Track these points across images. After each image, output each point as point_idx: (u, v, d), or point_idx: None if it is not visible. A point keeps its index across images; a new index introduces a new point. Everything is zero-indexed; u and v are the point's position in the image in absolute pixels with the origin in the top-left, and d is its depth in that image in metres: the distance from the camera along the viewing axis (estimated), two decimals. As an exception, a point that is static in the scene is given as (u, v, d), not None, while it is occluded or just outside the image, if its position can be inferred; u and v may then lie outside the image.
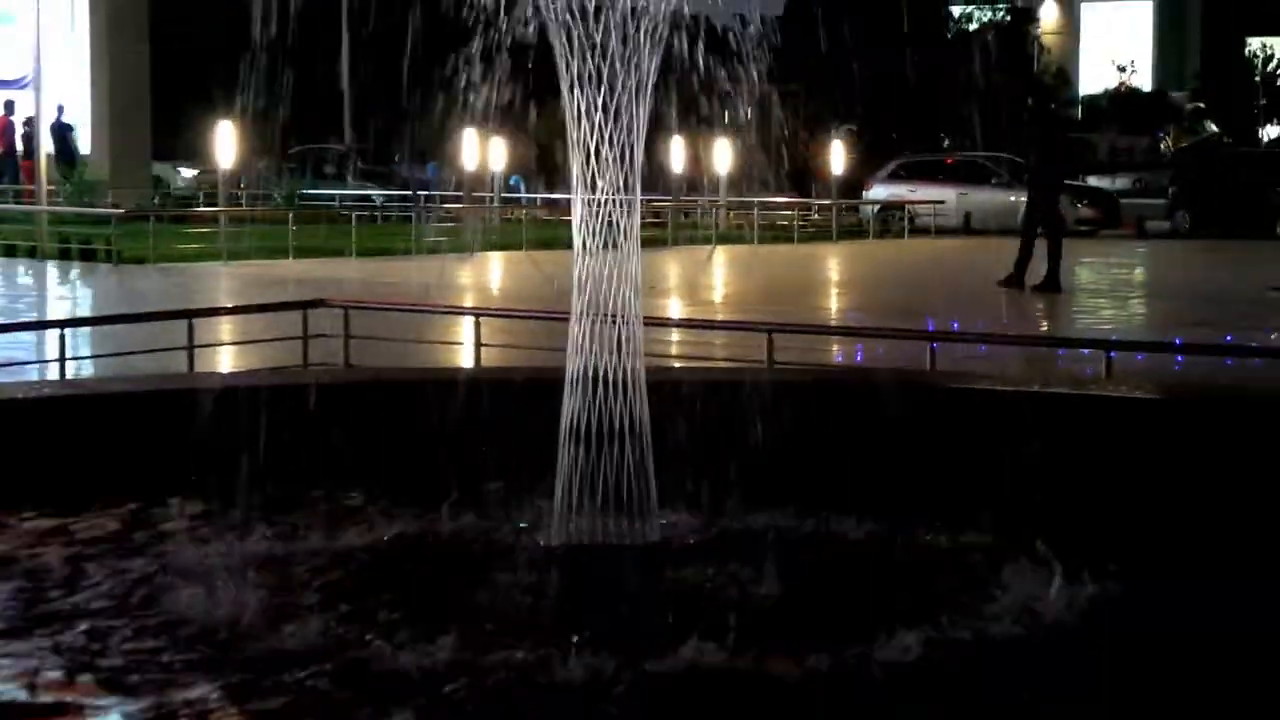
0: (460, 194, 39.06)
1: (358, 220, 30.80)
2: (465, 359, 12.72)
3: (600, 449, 5.92)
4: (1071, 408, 7.36)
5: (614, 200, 6.05)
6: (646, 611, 5.40)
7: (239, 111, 28.41)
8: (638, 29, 6.00)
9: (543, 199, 38.03)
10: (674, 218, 34.34)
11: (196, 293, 21.49)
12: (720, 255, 30.53)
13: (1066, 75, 60.99)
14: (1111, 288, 24.50)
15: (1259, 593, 5.72)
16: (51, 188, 31.70)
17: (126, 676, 4.79)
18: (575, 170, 6.09)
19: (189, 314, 11.61)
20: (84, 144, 38.63)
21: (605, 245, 6.05)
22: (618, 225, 6.06)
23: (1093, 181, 43.42)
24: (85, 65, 40.24)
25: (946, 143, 50.75)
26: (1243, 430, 7.01)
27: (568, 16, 5.97)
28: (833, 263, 29.83)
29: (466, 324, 13.13)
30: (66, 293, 23.61)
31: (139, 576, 5.80)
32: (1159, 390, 8.14)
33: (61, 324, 11.40)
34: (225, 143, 31.73)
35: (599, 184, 6.04)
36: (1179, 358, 12.67)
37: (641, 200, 6.26)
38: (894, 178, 39.18)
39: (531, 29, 6.08)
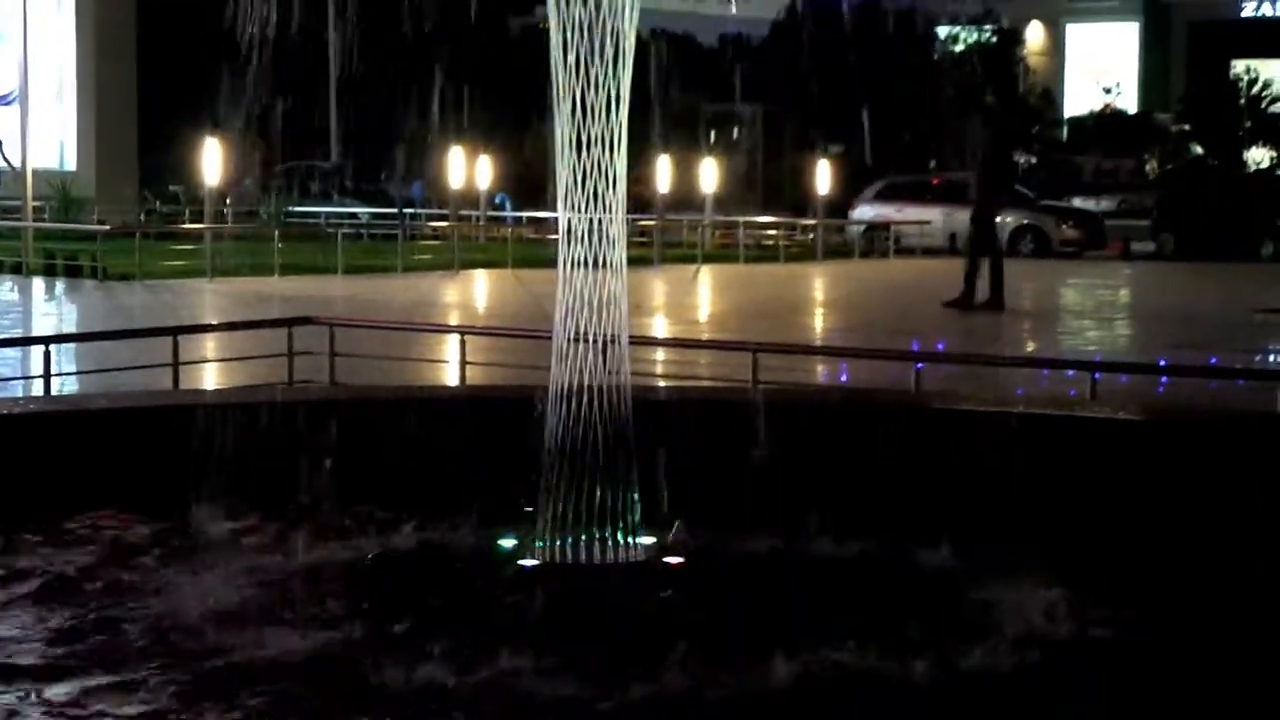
0: (446, 212, 39.06)
1: (344, 238, 30.77)
2: (451, 376, 12.72)
3: (584, 467, 5.92)
4: (1054, 429, 7.38)
5: (600, 219, 6.06)
6: (628, 631, 5.39)
7: (225, 128, 28.50)
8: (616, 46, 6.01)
9: (528, 217, 38.01)
10: (659, 236, 34.40)
11: (182, 309, 21.46)
12: (706, 274, 30.54)
13: (1052, 96, 61.06)
14: (1096, 309, 24.56)
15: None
16: (38, 204, 31.70)
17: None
18: (561, 188, 6.09)
19: (174, 331, 11.59)
20: (70, 160, 38.65)
21: (591, 263, 6.05)
22: (603, 243, 6.06)
23: (1077, 203, 43.46)
24: (72, 83, 40.31)
25: (933, 163, 50.77)
26: (1224, 451, 7.04)
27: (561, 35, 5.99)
28: (817, 283, 29.86)
29: (452, 341, 13.14)
30: (52, 309, 23.58)
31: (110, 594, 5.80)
32: (1144, 412, 8.16)
33: (46, 340, 11.37)
34: (211, 160, 31.70)
35: (585, 202, 6.05)
36: (1163, 379, 12.72)
37: (627, 219, 6.26)
38: (880, 198, 39.17)
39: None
